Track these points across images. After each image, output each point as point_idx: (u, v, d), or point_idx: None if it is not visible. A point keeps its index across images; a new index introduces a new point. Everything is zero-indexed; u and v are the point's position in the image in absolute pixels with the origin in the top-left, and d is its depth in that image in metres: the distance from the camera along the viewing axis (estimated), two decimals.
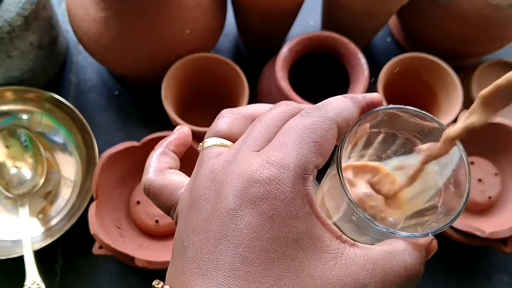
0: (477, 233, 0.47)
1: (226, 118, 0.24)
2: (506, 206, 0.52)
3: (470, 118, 0.21)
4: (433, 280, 0.54)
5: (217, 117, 0.24)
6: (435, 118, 0.23)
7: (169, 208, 0.24)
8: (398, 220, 0.24)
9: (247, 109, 0.24)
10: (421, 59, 0.53)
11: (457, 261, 0.55)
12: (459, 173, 0.23)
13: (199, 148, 0.24)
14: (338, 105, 0.21)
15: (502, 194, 0.53)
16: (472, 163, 0.53)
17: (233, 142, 0.23)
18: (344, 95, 0.22)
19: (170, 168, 0.25)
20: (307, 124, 0.20)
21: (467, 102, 0.57)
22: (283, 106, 0.22)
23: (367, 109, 0.23)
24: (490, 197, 0.51)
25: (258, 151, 0.20)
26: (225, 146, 0.23)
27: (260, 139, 0.21)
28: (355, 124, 0.22)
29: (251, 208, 0.19)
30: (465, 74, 0.60)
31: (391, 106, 0.23)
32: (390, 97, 0.52)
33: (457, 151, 0.22)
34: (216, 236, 0.19)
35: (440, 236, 0.57)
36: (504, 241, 0.48)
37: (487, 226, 0.48)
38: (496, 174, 0.52)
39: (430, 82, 0.54)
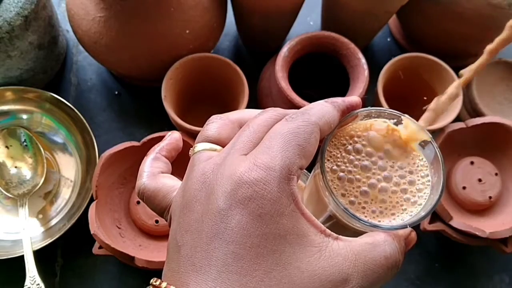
0: (478, 233, 0.46)
1: (215, 124, 0.25)
2: (507, 206, 0.52)
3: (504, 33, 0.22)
4: (433, 280, 0.54)
5: (206, 122, 0.25)
6: (410, 118, 0.24)
7: (162, 210, 0.25)
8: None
9: (234, 114, 0.26)
10: (421, 59, 0.53)
11: (457, 261, 0.55)
12: (435, 168, 0.24)
13: (190, 153, 0.25)
14: (320, 110, 0.23)
15: (503, 194, 0.53)
16: (472, 163, 0.53)
17: (222, 146, 0.24)
18: (325, 99, 0.24)
19: (163, 172, 0.27)
20: (292, 128, 0.21)
21: (467, 102, 0.57)
22: (270, 112, 0.23)
23: (346, 112, 0.24)
24: (490, 197, 0.51)
25: (246, 154, 0.21)
26: (215, 150, 0.24)
27: (248, 143, 0.22)
28: (336, 127, 0.24)
29: (240, 208, 0.20)
30: None
31: (368, 108, 0.25)
32: (390, 97, 0.52)
33: (432, 148, 0.24)
34: (208, 235, 0.20)
35: (440, 236, 0.57)
36: (504, 241, 0.48)
37: (488, 226, 0.48)
38: (496, 174, 0.52)
39: (430, 82, 0.54)
